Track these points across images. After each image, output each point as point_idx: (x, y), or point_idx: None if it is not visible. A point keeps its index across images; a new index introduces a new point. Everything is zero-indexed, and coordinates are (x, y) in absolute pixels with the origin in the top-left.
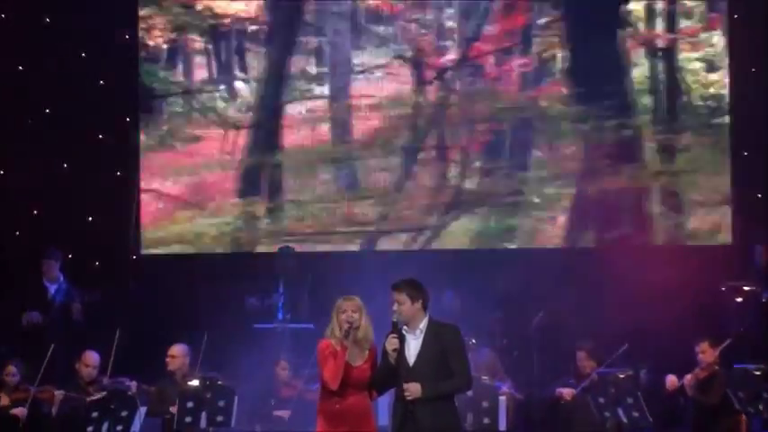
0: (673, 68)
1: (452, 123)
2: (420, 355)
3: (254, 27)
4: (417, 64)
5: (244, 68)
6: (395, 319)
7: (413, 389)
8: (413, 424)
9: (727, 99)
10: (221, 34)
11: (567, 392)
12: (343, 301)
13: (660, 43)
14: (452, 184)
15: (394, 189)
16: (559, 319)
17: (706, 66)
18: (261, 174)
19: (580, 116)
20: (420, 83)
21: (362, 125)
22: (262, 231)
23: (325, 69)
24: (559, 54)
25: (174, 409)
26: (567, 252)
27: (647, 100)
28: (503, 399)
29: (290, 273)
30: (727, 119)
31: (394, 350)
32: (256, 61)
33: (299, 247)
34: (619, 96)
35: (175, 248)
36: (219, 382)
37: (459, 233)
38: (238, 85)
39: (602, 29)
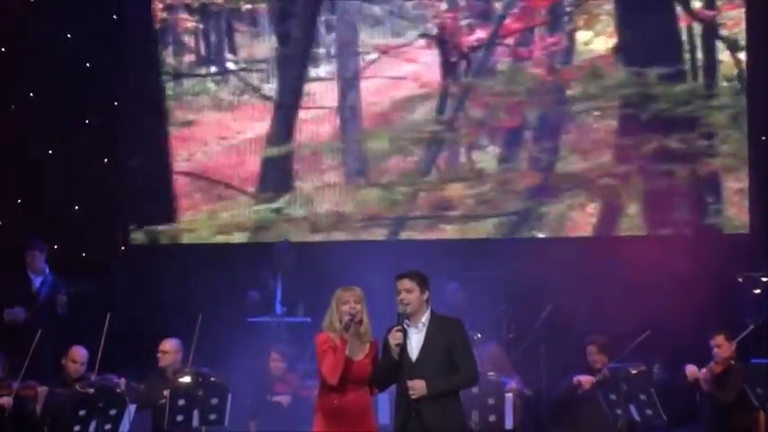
0: (711, 46)
1: (479, 105)
2: (423, 350)
3: (248, 6)
4: (443, 42)
5: (233, 50)
6: (401, 311)
7: (417, 386)
8: (417, 422)
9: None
10: (212, 14)
11: (585, 380)
12: (343, 291)
13: (703, 19)
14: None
15: (419, 174)
16: (569, 311)
17: (730, 45)
18: (289, 160)
19: (622, 94)
20: (447, 63)
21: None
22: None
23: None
24: (594, 32)
25: (165, 398)
26: (584, 242)
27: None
28: (509, 395)
29: (288, 267)
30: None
31: (398, 345)
32: (252, 43)
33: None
34: (672, 74)
35: (186, 238)
36: (212, 379)
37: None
38: (231, 65)
39: (651, 4)
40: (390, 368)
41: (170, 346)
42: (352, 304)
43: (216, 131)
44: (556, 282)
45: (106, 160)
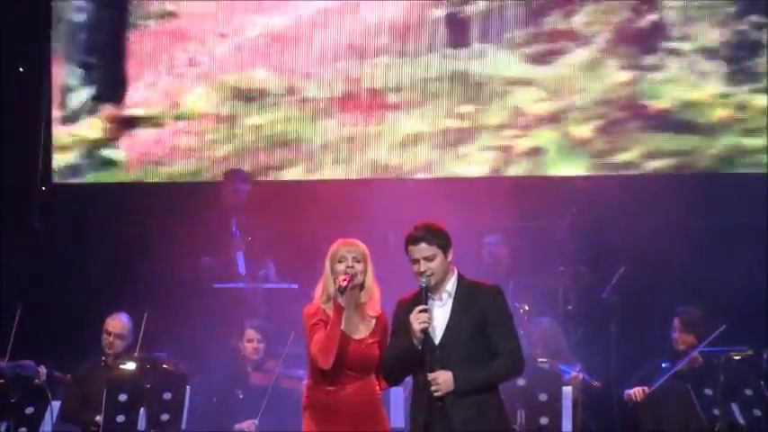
0: None
1: None
2: (449, 329)
3: None
4: None
5: None
6: (424, 284)
7: (442, 380)
8: (442, 426)
9: None
10: None
11: (636, 392)
12: (340, 245)
13: None
14: None
15: None
16: (650, 277)
17: None
18: None
19: None
20: None
21: None
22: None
23: None
24: None
25: (100, 418)
26: (677, 179)
27: None
28: (568, 390)
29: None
30: None
31: (423, 330)
32: None
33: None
34: None
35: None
36: (165, 366)
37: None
38: None
39: None
40: (406, 354)
41: (119, 323)
42: (350, 262)
43: None
44: (633, 236)
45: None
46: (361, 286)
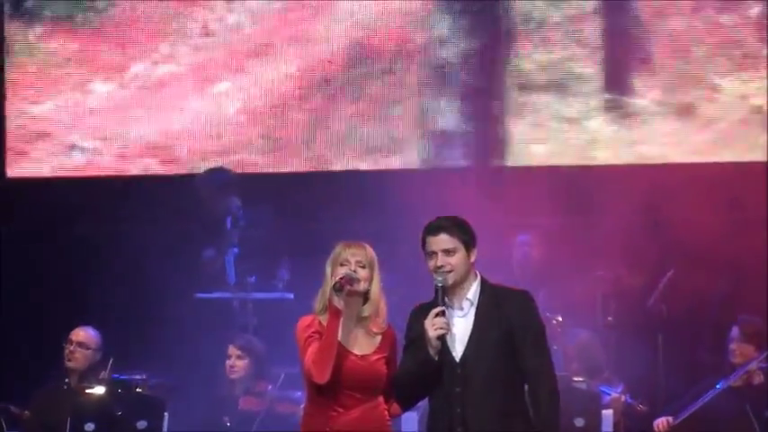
0: None
1: None
2: (472, 343)
3: None
4: None
5: None
6: (440, 283)
7: None
8: None
9: None
10: None
11: (660, 423)
12: (344, 248)
13: None
14: None
15: None
16: (704, 281)
17: None
18: None
19: None
20: None
21: None
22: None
23: None
24: None
25: None
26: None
27: None
28: (608, 414)
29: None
30: None
31: (440, 336)
32: None
33: None
34: None
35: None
36: (139, 390)
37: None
38: None
39: None
40: (421, 369)
41: (86, 337)
42: (354, 267)
43: None
44: (685, 232)
45: None
46: (366, 298)
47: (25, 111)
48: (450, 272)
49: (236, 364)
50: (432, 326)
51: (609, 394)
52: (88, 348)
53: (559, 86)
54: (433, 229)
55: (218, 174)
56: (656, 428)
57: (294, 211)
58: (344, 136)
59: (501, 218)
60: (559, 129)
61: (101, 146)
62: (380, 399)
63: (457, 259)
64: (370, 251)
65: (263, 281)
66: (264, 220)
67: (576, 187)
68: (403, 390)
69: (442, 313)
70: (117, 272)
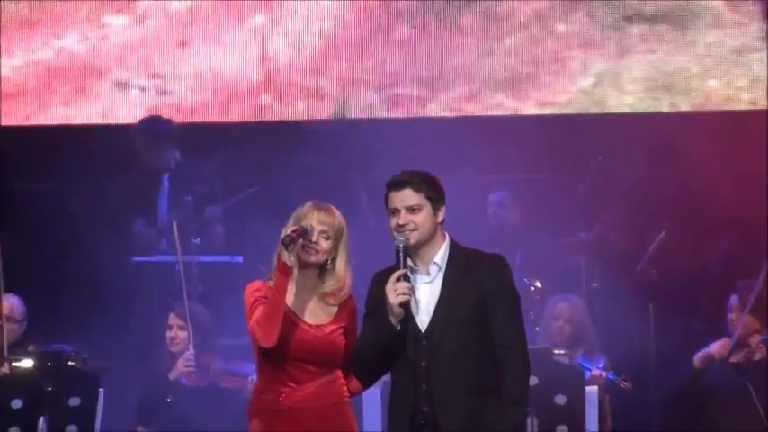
0: None
1: None
2: (439, 312)
3: None
4: None
5: None
6: (401, 244)
7: None
8: None
9: None
10: None
11: (720, 348)
12: (312, 210)
13: None
14: None
15: None
16: (700, 243)
17: None
18: None
19: None
20: None
21: None
22: None
23: None
24: None
25: None
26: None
27: None
28: (593, 390)
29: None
30: None
31: (402, 303)
32: None
33: None
34: None
35: None
36: (71, 364)
37: None
38: None
39: None
40: (382, 339)
41: (8, 309)
42: (317, 238)
43: None
44: (680, 189)
45: None
46: (324, 269)
47: None
48: (413, 230)
49: (178, 335)
50: (393, 291)
51: (589, 370)
52: (10, 315)
53: None
54: (397, 183)
55: (156, 124)
56: (719, 354)
57: (241, 163)
58: None
59: (473, 172)
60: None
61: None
62: (338, 373)
63: (422, 218)
64: (340, 219)
65: (209, 243)
66: (207, 174)
67: (559, 139)
68: (362, 363)
69: (405, 277)
70: (44, 232)
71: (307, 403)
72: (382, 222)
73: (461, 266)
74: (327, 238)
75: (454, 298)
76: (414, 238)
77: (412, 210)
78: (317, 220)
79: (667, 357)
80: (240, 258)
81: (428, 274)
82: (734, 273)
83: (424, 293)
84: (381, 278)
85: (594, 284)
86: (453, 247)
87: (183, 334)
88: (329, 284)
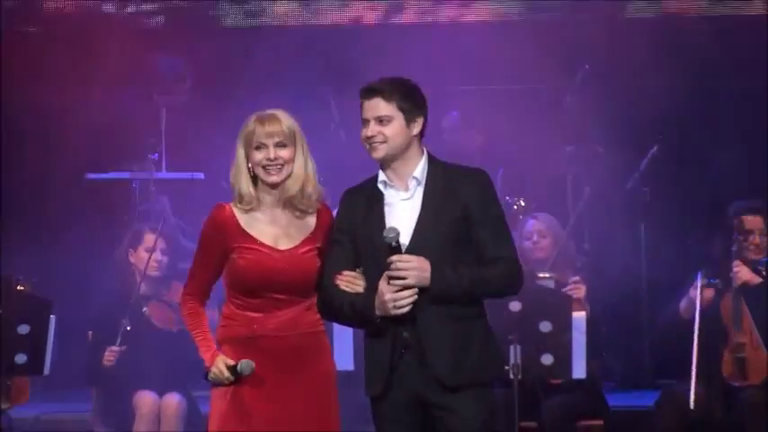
0: None
1: None
2: (419, 229)
3: None
4: None
5: None
6: (391, 241)
7: (413, 266)
8: (411, 367)
9: None
10: None
11: (744, 272)
12: (257, 124)
13: None
14: None
15: None
16: (695, 157)
17: None
18: None
19: None
20: None
21: None
22: None
23: None
24: None
25: None
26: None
27: None
28: (580, 317)
29: None
30: None
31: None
32: None
33: None
34: None
35: None
36: (20, 289)
37: None
38: None
39: None
40: (359, 326)
41: None
42: (272, 153)
43: None
44: (673, 99)
45: None
46: (287, 172)
47: None
48: (381, 143)
49: (162, 259)
50: (392, 301)
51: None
52: None
53: None
54: (367, 91)
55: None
56: (745, 280)
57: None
58: None
59: (450, 81)
60: None
61: None
62: (313, 299)
63: (392, 130)
64: (288, 121)
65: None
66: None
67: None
68: (329, 316)
69: (396, 248)
70: None
71: (279, 332)
72: (355, 135)
73: (443, 182)
74: (285, 146)
75: (436, 215)
76: (381, 151)
77: (381, 121)
78: (265, 134)
79: (659, 281)
80: (202, 175)
81: (406, 189)
82: (733, 189)
83: (403, 211)
84: (353, 196)
85: (581, 202)
86: (433, 161)
87: (165, 259)
88: (289, 188)
